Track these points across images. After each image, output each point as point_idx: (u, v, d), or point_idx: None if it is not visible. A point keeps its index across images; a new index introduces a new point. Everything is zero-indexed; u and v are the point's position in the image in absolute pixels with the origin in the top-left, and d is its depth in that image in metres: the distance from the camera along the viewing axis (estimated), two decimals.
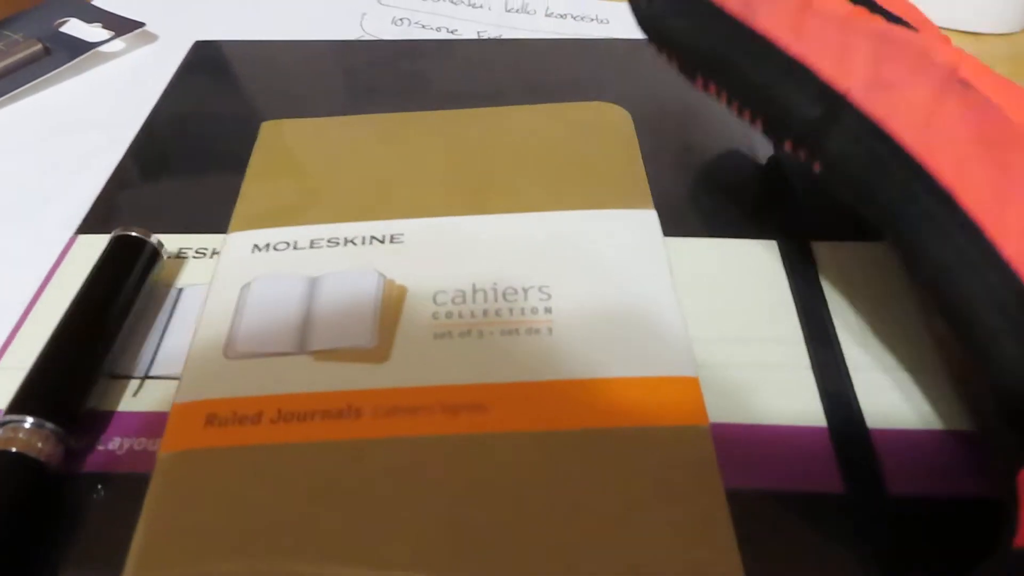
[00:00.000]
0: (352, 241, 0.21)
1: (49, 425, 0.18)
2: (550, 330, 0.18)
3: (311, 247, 0.21)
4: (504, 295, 0.19)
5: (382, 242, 0.21)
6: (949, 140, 0.16)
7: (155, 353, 0.21)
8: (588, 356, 0.18)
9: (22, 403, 0.18)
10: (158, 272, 0.22)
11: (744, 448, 0.18)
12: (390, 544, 0.15)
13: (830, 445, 0.18)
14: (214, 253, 0.24)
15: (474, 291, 0.19)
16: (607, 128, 0.25)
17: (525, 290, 0.19)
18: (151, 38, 0.37)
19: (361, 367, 0.18)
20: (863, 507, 0.17)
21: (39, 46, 0.34)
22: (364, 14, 0.39)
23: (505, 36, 0.37)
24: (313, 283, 0.20)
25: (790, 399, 0.19)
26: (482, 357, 0.18)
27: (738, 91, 0.19)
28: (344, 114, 0.29)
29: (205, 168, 0.27)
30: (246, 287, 0.20)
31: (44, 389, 0.19)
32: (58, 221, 0.26)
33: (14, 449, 0.17)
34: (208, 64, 0.33)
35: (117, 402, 0.20)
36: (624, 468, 0.16)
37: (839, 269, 0.22)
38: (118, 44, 0.36)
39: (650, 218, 0.21)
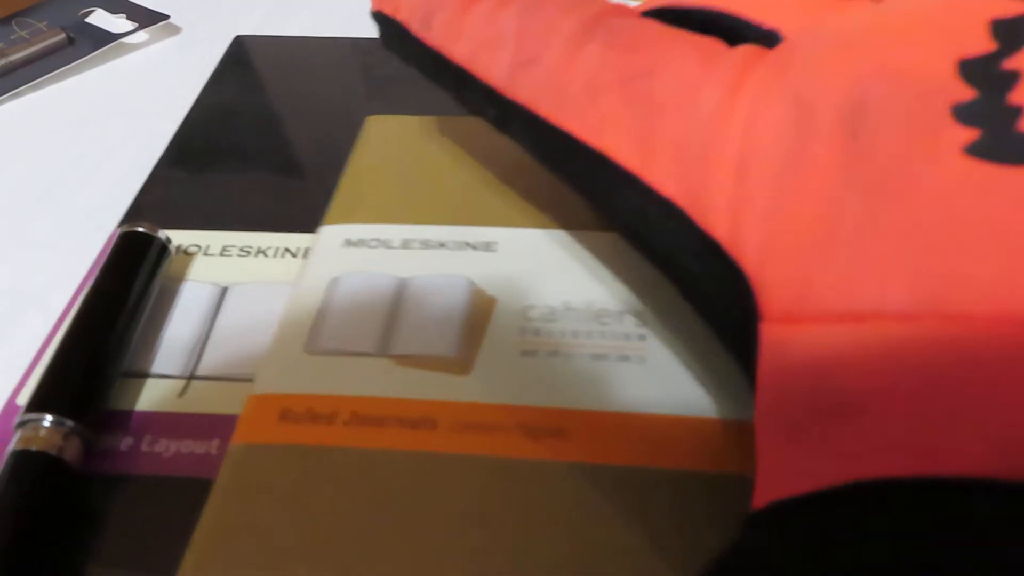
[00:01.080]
0: (444, 245, 0.20)
1: (68, 423, 0.18)
2: (643, 359, 0.17)
3: (403, 247, 0.20)
4: (597, 316, 0.18)
5: (475, 249, 0.20)
6: (591, 96, 0.15)
7: (200, 353, 0.21)
8: (682, 391, 0.17)
9: (41, 401, 0.18)
10: (167, 267, 0.22)
11: None
12: (454, 565, 0.14)
13: None
14: (259, 252, 0.23)
15: (566, 309, 0.18)
16: None
17: (620, 314, 0.18)
18: (175, 30, 0.36)
19: (442, 377, 0.17)
20: None
21: (62, 35, 0.33)
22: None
23: None
24: (401, 285, 0.19)
25: None
26: (568, 380, 0.17)
27: (457, 102, 0.19)
28: (376, 113, 0.29)
29: (246, 166, 0.27)
30: (334, 281, 0.19)
31: (62, 387, 0.18)
32: (82, 213, 0.26)
33: (34, 448, 0.17)
34: (245, 60, 0.33)
35: (147, 401, 0.20)
36: (711, 518, 0.15)
37: None
38: (142, 36, 0.35)
39: None
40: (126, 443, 0.19)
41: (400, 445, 0.16)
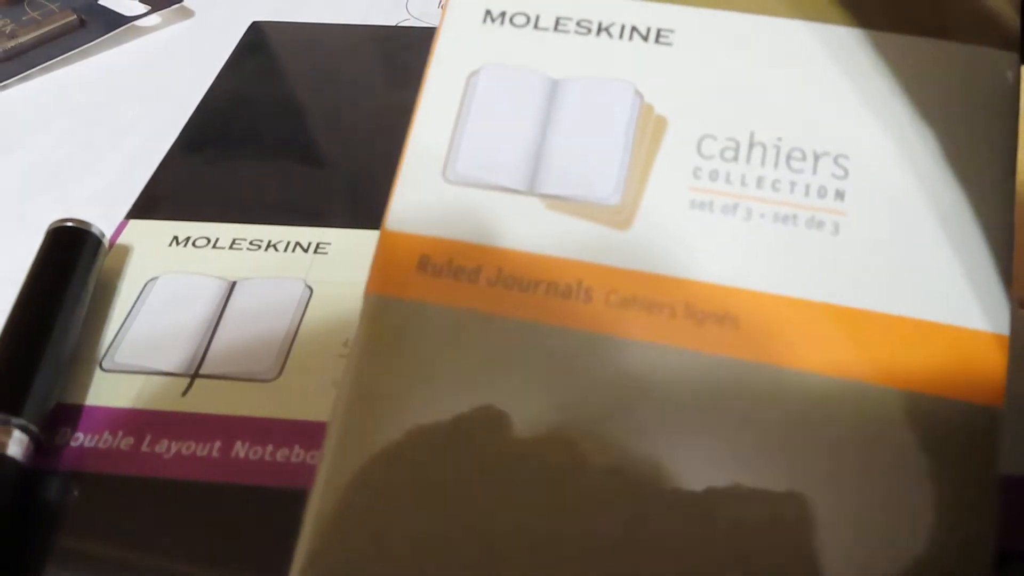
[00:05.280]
0: (607, 29, 0.15)
1: (14, 420, 0.17)
2: (836, 227, 0.13)
3: (556, 29, 0.15)
4: (788, 159, 0.14)
5: (644, 38, 0.15)
6: None
7: (205, 350, 0.20)
8: (876, 279, 0.13)
9: None
10: (102, 262, 0.21)
11: None
12: (598, 452, 0.13)
13: None
14: (269, 246, 0.22)
15: (751, 145, 0.14)
16: None
17: (816, 157, 0.14)
18: (188, 14, 0.35)
19: (597, 231, 0.14)
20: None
21: (74, 17, 0.33)
22: None
23: None
24: (554, 89, 0.15)
25: None
26: (743, 248, 0.13)
27: None
28: (383, 99, 0.28)
29: (260, 155, 0.26)
30: (474, 76, 0.15)
31: (7, 384, 0.18)
32: (90, 200, 0.25)
33: None
34: (262, 46, 0.32)
35: (148, 400, 0.19)
36: (884, 440, 0.13)
37: None
38: (155, 19, 0.35)
39: (1009, 67, 0.14)
40: (126, 443, 0.18)
41: (549, 318, 0.13)
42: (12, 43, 0.31)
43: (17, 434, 0.17)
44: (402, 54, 0.31)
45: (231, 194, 0.24)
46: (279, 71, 0.30)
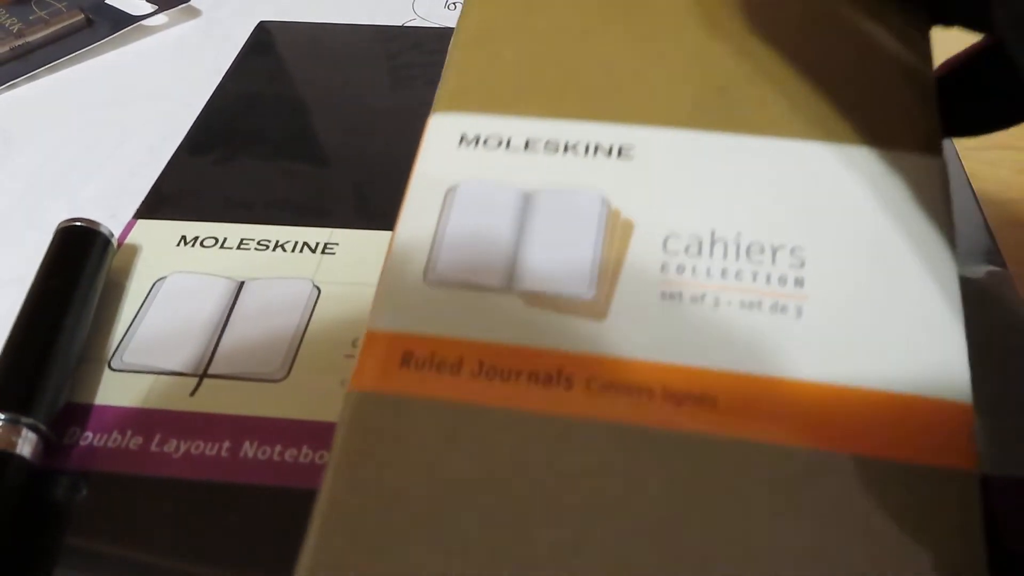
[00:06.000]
0: (573, 148, 0.17)
1: (23, 420, 0.17)
2: (799, 310, 0.15)
3: (526, 149, 0.17)
4: (748, 252, 0.15)
5: (608, 154, 0.17)
6: None
7: (214, 350, 0.20)
8: (839, 355, 0.14)
9: None
10: (110, 262, 0.22)
11: None
12: (583, 550, 0.13)
13: None
14: (277, 246, 0.22)
15: (712, 241, 0.15)
16: (898, 44, 0.18)
17: (774, 250, 0.15)
18: (195, 13, 0.35)
19: (575, 322, 0.15)
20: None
21: (81, 16, 0.33)
22: None
23: None
24: (527, 200, 0.16)
25: None
26: (715, 333, 0.14)
27: None
28: (389, 99, 0.28)
29: (267, 155, 0.26)
30: (452, 191, 0.16)
31: (11, 384, 0.18)
32: (98, 199, 0.25)
33: None
34: (268, 46, 0.32)
35: (156, 399, 0.19)
36: (865, 508, 0.13)
37: None
38: (162, 18, 0.35)
39: (935, 170, 0.16)
40: (135, 442, 0.18)
41: (532, 406, 0.14)
42: (19, 42, 0.31)
43: (27, 433, 0.17)
44: (409, 54, 0.31)
45: (238, 194, 0.24)
46: (286, 71, 0.30)
